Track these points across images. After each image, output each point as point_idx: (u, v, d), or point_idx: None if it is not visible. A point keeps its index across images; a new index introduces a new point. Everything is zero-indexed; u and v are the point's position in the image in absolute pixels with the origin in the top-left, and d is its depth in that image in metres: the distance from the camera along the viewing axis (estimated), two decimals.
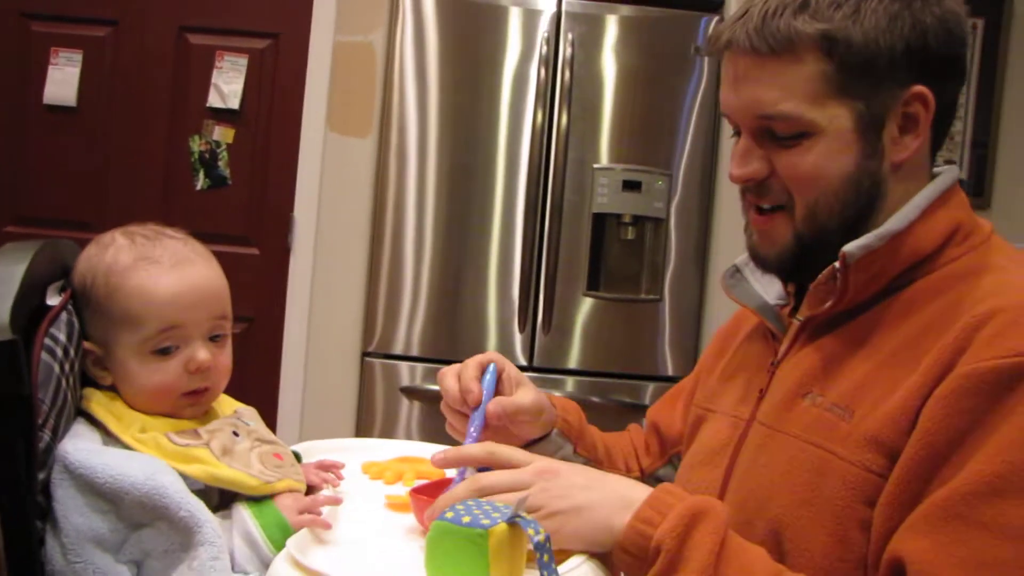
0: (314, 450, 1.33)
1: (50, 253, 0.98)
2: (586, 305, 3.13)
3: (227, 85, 3.19)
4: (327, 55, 3.18)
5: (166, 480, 0.84)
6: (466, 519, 0.82)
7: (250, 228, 3.22)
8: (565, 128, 3.05)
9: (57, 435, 0.89)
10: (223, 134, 3.21)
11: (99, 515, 0.85)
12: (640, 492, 0.90)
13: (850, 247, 0.95)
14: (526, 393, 1.21)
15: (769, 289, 1.14)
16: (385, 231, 3.10)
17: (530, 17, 3.08)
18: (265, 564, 0.91)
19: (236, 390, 1.05)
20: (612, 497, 0.90)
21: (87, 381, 1.00)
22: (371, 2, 3.16)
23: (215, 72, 3.19)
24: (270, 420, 3.14)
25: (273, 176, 3.23)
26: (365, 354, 3.14)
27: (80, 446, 0.88)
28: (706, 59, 3.10)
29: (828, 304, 0.98)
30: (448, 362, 1.25)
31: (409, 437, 3.00)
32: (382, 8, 3.15)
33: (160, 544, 0.85)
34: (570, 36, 3.05)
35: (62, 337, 0.92)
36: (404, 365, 3.11)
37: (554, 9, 3.08)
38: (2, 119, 3.25)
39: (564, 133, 3.05)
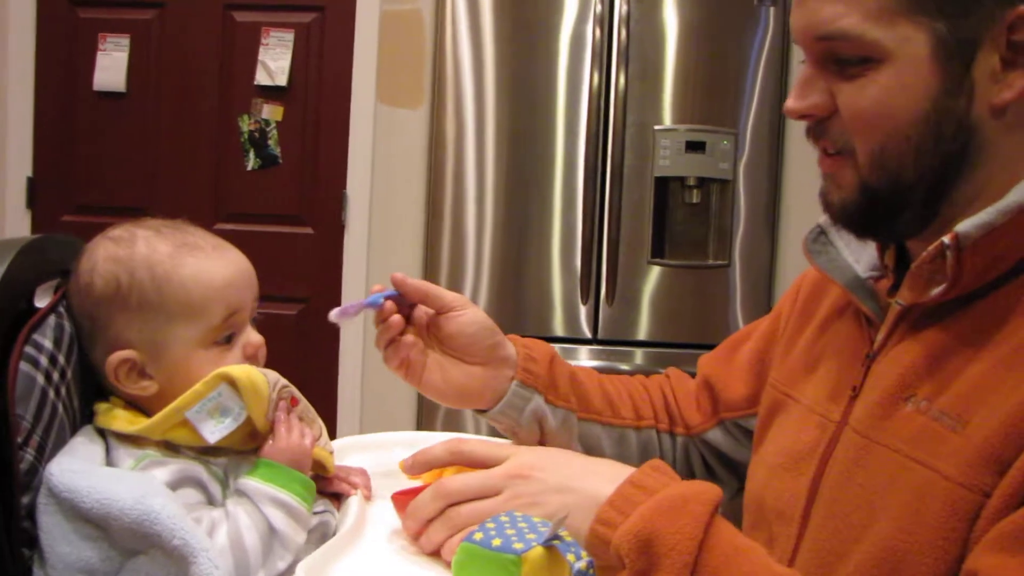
0: (355, 446, 1.23)
1: (39, 251, 0.89)
2: (651, 273, 2.99)
3: (274, 62, 3.11)
4: (374, 25, 3.08)
5: (156, 503, 0.75)
6: (496, 542, 0.72)
7: (303, 207, 3.16)
8: (623, 89, 2.90)
9: (44, 454, 0.80)
10: (272, 112, 3.14)
11: (88, 543, 0.76)
12: (613, 488, 0.79)
13: (965, 226, 0.77)
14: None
15: (861, 256, 0.94)
16: (444, 204, 3.00)
17: None
18: (306, 525, 0.85)
19: (293, 375, 0.96)
20: (586, 503, 0.79)
21: (99, 394, 0.91)
22: None
23: (261, 49, 3.12)
24: (329, 406, 3.10)
25: (324, 153, 3.15)
26: None
27: (66, 466, 0.79)
28: (771, 8, 2.92)
29: (938, 291, 0.79)
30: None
31: (476, 426, 2.89)
32: None
33: (158, 573, 0.76)
34: None
35: (47, 344, 0.83)
36: None
37: None
38: (54, 108, 3.23)
39: (622, 94, 2.90)
